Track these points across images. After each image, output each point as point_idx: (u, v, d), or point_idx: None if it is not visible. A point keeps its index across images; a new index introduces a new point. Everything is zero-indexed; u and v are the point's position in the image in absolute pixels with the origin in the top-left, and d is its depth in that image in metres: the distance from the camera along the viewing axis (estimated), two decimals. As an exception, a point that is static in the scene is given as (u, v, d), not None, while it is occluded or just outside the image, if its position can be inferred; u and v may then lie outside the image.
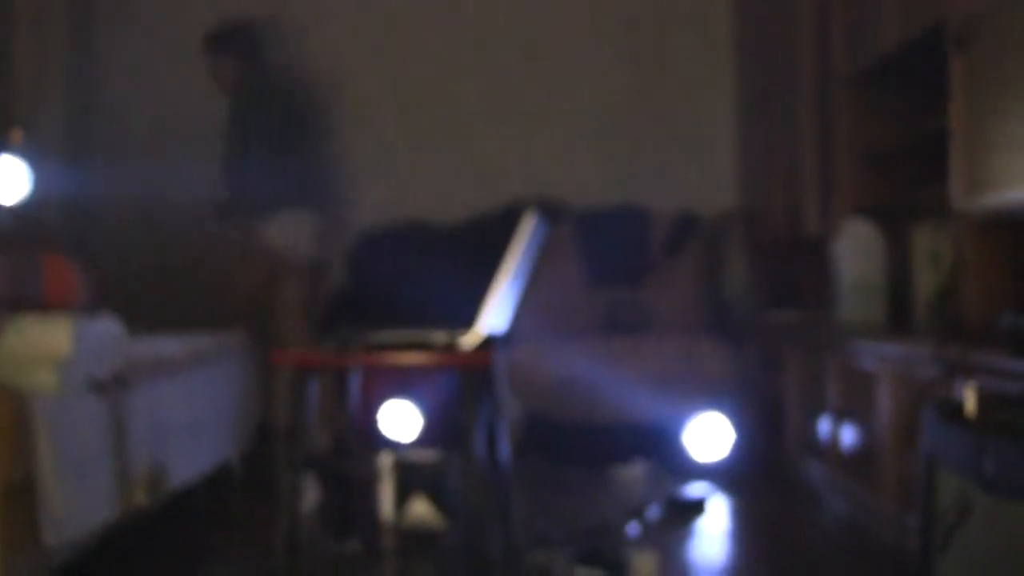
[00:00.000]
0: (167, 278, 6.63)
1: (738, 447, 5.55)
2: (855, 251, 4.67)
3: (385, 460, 4.13)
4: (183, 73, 6.53)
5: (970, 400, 2.09)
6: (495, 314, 3.46)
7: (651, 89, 6.92)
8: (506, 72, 6.94)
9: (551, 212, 6.26)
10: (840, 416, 4.46)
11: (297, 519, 3.43)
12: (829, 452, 4.60)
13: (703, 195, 6.77)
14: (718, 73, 6.91)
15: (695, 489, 4.87)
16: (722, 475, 5.28)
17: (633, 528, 4.24)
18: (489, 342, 3.37)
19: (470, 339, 3.35)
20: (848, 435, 4.37)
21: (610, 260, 6.38)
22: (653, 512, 4.56)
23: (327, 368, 3.39)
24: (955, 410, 2.14)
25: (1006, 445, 1.90)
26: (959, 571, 2.09)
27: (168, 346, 4.31)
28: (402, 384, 5.52)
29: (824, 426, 4.63)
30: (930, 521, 2.19)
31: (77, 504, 3.05)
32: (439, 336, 3.40)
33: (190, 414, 4.18)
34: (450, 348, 3.34)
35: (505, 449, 3.70)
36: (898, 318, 4.54)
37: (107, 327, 3.19)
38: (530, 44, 6.95)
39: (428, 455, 4.23)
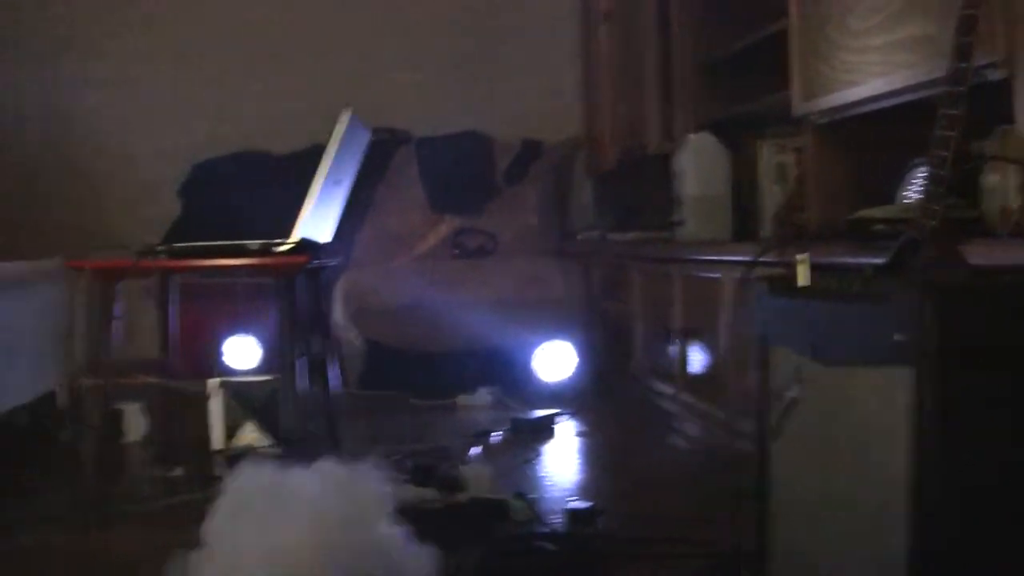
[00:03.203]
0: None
1: (585, 371, 5.47)
2: (698, 166, 4.56)
3: (213, 385, 3.94)
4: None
5: (801, 271, 1.96)
6: (314, 222, 3.28)
7: (494, 13, 6.75)
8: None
9: (392, 138, 6.16)
10: (686, 333, 4.36)
11: (109, 444, 3.26)
12: (675, 371, 4.49)
13: (547, 122, 6.65)
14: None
15: (541, 413, 4.74)
16: (569, 399, 5.18)
17: (475, 450, 4.11)
18: (305, 247, 3.19)
19: (284, 244, 3.16)
20: (693, 352, 4.27)
21: (453, 186, 6.23)
22: (498, 435, 4.46)
23: (129, 274, 3.17)
24: (787, 284, 2.02)
25: (835, 309, 1.79)
26: (794, 450, 1.98)
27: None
28: (238, 316, 5.34)
29: (669, 345, 4.52)
30: (765, 403, 2.07)
31: None
32: (254, 242, 3.20)
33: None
34: (264, 253, 3.16)
35: (334, 368, 3.58)
36: (744, 232, 4.43)
37: None
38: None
39: (258, 379, 4.07)
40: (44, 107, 6.56)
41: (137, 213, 6.38)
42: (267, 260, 3.16)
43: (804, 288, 1.97)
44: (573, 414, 4.89)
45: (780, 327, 2.01)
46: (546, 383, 5.42)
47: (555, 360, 5.43)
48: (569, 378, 5.44)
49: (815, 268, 2.01)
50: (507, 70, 6.72)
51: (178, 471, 3.69)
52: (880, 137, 3.52)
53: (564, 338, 5.44)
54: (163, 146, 6.56)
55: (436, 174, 6.26)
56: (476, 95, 6.66)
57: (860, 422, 1.75)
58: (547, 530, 3.08)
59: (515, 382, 5.37)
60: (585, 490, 3.65)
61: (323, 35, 6.68)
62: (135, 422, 4.44)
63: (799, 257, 1.99)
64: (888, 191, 3.10)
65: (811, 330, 1.84)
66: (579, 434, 4.59)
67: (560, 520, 3.16)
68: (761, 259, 2.14)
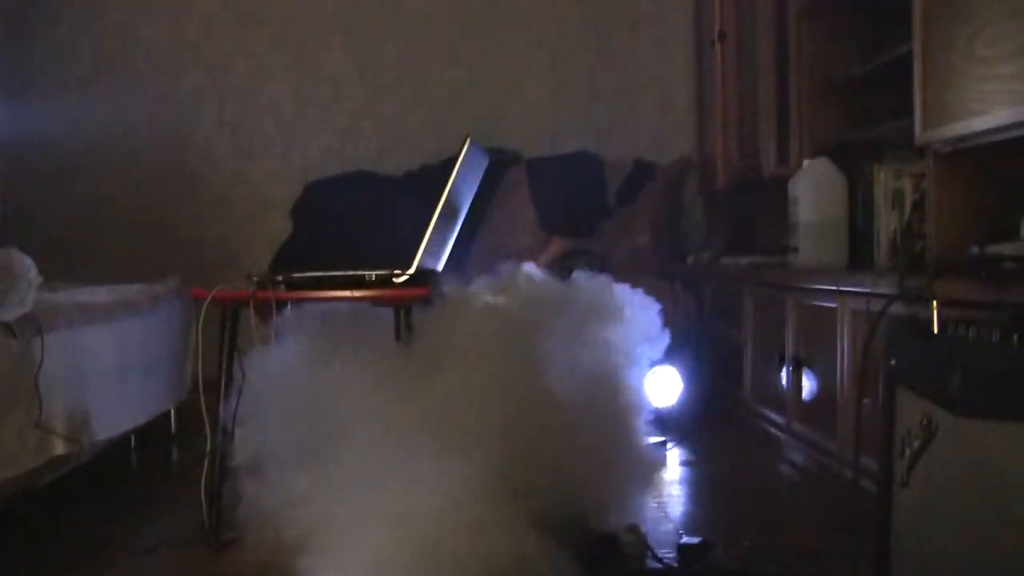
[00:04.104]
0: (101, 229, 6.48)
1: (694, 396, 5.39)
2: (815, 191, 4.49)
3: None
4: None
5: (935, 317, 1.91)
6: (431, 251, 3.27)
7: (606, 34, 6.73)
8: (454, 14, 6.72)
9: (503, 158, 6.14)
10: (799, 361, 4.29)
11: (221, 469, 3.28)
12: (788, 398, 4.42)
13: (659, 142, 6.63)
14: (676, 13, 6.73)
15: (650, 440, 4.68)
16: (678, 425, 5.11)
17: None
18: (423, 276, 3.18)
19: (403, 275, 3.15)
20: (807, 380, 4.21)
21: (564, 207, 6.20)
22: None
23: (247, 303, 3.18)
24: (919, 329, 1.96)
25: (976, 361, 1.73)
26: (922, 499, 1.92)
27: (93, 294, 4.09)
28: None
29: (782, 372, 4.46)
30: (890, 448, 2.01)
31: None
32: (371, 273, 3.20)
33: (117, 364, 3.96)
34: (382, 283, 3.15)
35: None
36: (859, 259, 4.35)
37: (11, 261, 2.96)
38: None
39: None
40: (161, 125, 6.64)
41: (253, 230, 6.46)
42: (386, 292, 3.14)
43: (938, 333, 1.92)
44: (681, 441, 4.83)
45: (911, 370, 1.95)
46: (654, 409, 5.35)
47: (663, 385, 5.37)
48: (677, 404, 5.37)
49: (944, 304, 1.96)
50: (618, 90, 6.70)
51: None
52: (1006, 168, 3.43)
53: (672, 363, 5.37)
54: (278, 165, 6.63)
55: (547, 194, 6.24)
56: (588, 115, 6.65)
57: (1000, 477, 1.69)
58: (660, 566, 3.03)
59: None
60: (695, 522, 3.60)
61: (436, 57, 6.70)
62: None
63: (933, 305, 1.94)
64: (1013, 224, 3.02)
65: (946, 379, 1.78)
66: (687, 463, 4.54)
67: (672, 555, 3.12)
68: (895, 296, 2.08)
